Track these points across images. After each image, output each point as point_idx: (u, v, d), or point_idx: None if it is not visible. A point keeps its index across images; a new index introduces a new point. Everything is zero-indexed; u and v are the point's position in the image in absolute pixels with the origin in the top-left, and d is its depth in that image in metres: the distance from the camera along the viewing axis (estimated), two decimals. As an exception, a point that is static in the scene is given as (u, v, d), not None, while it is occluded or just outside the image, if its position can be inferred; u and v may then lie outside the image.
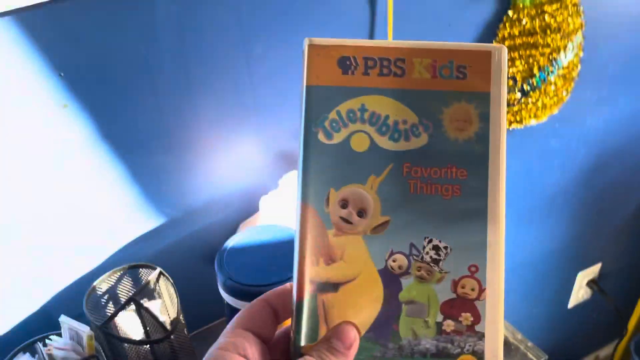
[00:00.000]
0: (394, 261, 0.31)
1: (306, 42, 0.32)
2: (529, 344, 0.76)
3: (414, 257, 0.31)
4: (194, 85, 0.70)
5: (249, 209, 0.83)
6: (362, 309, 0.31)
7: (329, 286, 0.31)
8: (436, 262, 0.31)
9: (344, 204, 0.31)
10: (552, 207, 1.28)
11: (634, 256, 1.65)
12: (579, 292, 1.58)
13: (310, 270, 0.31)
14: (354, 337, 0.30)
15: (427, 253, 0.31)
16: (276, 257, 0.62)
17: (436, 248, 0.31)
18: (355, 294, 0.31)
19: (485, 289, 0.31)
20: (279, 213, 0.76)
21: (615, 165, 1.31)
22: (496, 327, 0.31)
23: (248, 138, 0.78)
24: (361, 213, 0.31)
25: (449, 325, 0.31)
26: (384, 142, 0.31)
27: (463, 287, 0.31)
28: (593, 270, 1.55)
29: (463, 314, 0.31)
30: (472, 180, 0.31)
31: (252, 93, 0.75)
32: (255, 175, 0.82)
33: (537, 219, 1.28)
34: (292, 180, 0.79)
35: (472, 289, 0.31)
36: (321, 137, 0.31)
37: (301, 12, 0.72)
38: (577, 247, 1.46)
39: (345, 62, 0.32)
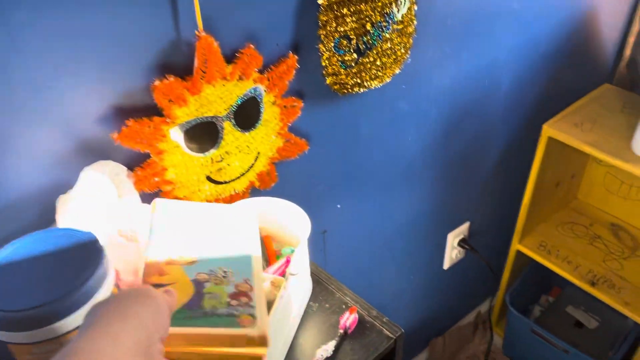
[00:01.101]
0: (199, 276, 0.57)
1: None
2: (385, 319, 0.70)
3: (212, 274, 0.58)
4: None
5: (51, 214, 0.69)
6: (180, 295, 0.53)
7: (161, 285, 0.54)
8: (225, 276, 0.58)
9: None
10: (413, 172, 1.25)
11: (499, 212, 1.69)
12: (452, 253, 1.59)
13: (150, 278, 0.56)
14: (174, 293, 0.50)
15: (219, 272, 0.59)
16: (47, 272, 0.49)
17: (224, 271, 0.59)
18: (176, 289, 0.53)
19: (253, 287, 0.58)
20: (79, 214, 0.63)
21: (468, 123, 1.31)
22: (262, 304, 0.56)
23: (30, 126, 0.64)
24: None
25: (234, 302, 0.55)
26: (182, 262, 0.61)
27: (241, 287, 0.57)
28: (462, 230, 1.57)
29: (242, 298, 0.55)
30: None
31: (22, 68, 0.60)
32: (51, 171, 0.68)
33: (398, 187, 1.24)
34: (94, 174, 0.66)
35: (246, 287, 0.57)
36: None
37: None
38: (444, 209, 1.46)
39: None
